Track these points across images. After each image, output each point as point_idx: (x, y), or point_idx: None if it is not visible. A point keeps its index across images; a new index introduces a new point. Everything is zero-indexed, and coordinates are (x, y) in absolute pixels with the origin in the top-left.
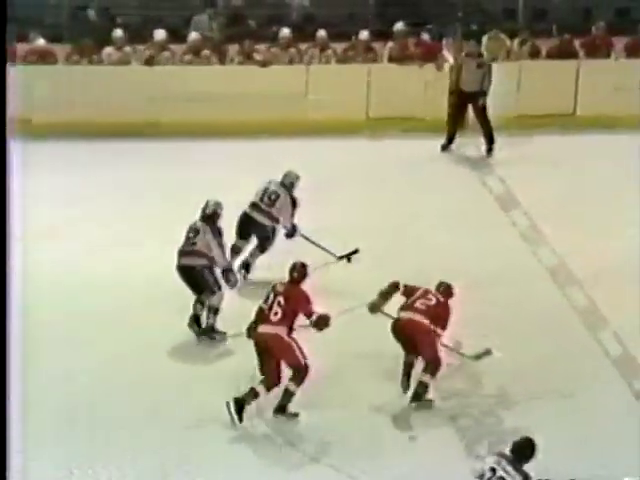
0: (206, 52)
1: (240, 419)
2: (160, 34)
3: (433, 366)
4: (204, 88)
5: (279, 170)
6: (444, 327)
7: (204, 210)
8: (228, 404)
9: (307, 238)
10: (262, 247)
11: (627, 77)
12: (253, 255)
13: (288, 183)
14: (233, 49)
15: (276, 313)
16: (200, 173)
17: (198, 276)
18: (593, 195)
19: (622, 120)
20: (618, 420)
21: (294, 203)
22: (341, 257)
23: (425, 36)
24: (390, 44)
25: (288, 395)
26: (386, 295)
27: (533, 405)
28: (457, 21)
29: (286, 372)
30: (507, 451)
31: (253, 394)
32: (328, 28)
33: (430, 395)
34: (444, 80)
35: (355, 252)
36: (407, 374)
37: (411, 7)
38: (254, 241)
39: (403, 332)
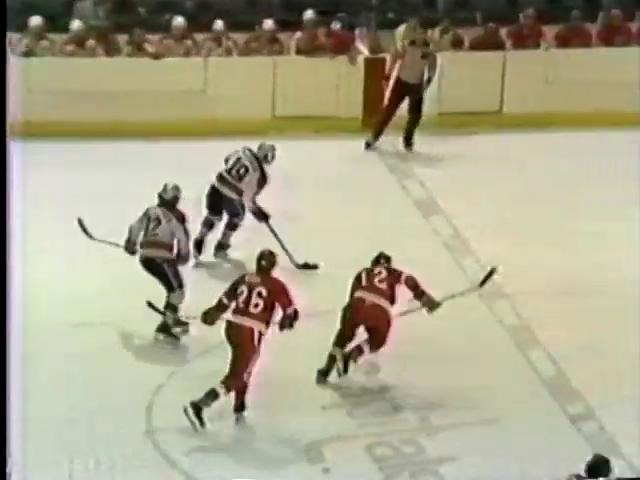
0: (91, 42)
1: (202, 424)
2: (35, 20)
3: (378, 344)
4: (88, 83)
5: (175, 176)
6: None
7: (162, 196)
8: (186, 410)
9: (273, 232)
10: (232, 225)
11: (559, 69)
12: (226, 235)
13: (262, 156)
14: (121, 39)
15: (256, 305)
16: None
17: (158, 270)
18: (523, 200)
19: (554, 117)
20: (551, 447)
21: (264, 179)
22: (299, 266)
23: (336, 26)
24: (298, 34)
25: (212, 396)
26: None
27: (457, 432)
28: (371, 9)
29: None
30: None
31: (213, 395)
32: (227, 17)
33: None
34: (358, 74)
35: (314, 267)
36: (329, 369)
37: None
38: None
39: (365, 317)
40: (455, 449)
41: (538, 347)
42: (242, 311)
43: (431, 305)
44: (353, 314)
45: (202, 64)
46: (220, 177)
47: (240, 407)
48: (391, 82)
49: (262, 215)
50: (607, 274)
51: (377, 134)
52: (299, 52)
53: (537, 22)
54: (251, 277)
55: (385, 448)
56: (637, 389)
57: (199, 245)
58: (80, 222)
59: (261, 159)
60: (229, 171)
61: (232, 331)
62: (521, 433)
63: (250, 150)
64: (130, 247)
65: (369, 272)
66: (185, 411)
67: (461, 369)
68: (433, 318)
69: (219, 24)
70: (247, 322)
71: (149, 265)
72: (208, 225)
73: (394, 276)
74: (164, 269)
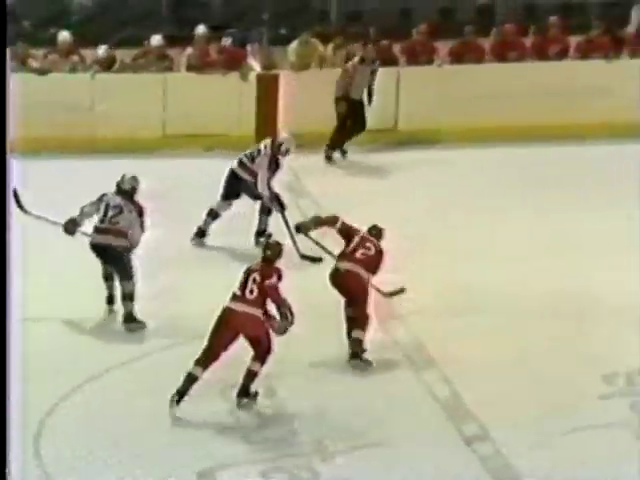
0: None
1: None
2: None
3: (362, 321)
4: None
5: (62, 197)
6: (375, 273)
7: (120, 185)
8: (172, 398)
9: (286, 222)
10: (267, 210)
11: (453, 85)
12: (262, 220)
13: (277, 145)
14: None
15: (252, 291)
16: None
17: (117, 258)
18: (418, 219)
19: (449, 133)
20: (447, 469)
21: (276, 165)
22: (304, 257)
23: (228, 41)
24: (189, 50)
25: (252, 375)
26: (320, 223)
27: (352, 455)
28: (263, 25)
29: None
30: None
31: (192, 379)
32: (115, 31)
33: (367, 351)
34: (250, 91)
35: (318, 260)
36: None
37: (211, 8)
38: (235, 204)
39: (342, 283)
40: (351, 473)
41: (433, 367)
42: (239, 297)
43: None
44: (333, 283)
45: (89, 80)
46: (239, 161)
47: (244, 393)
48: (339, 101)
49: (279, 203)
50: (503, 291)
51: (335, 147)
52: (190, 68)
53: (430, 38)
54: (254, 265)
55: (281, 473)
56: (531, 409)
57: (202, 234)
58: (15, 193)
59: (275, 147)
60: (246, 154)
61: (229, 315)
62: (416, 455)
63: (274, 139)
64: (71, 227)
65: (362, 238)
66: (171, 404)
67: (355, 391)
68: (325, 336)
69: (103, 48)
70: (245, 308)
71: (103, 251)
72: (213, 215)
73: (374, 266)
74: (123, 258)
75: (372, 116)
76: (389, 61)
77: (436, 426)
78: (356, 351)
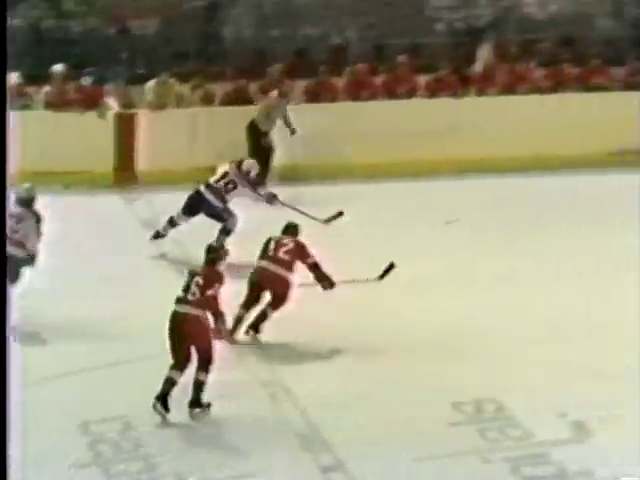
0: None
1: (167, 411)
2: None
3: (278, 302)
4: None
5: None
6: (303, 261)
7: (19, 195)
8: (155, 406)
9: (287, 205)
10: (226, 230)
11: (308, 123)
12: (219, 239)
13: (244, 173)
14: None
15: (194, 293)
16: None
17: (13, 267)
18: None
19: (304, 169)
20: None
21: (254, 184)
22: (327, 220)
23: (86, 80)
24: (46, 88)
25: (199, 385)
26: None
27: None
28: (122, 64)
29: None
30: None
31: (170, 383)
32: None
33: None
34: (109, 129)
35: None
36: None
37: (69, 47)
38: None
39: (262, 282)
40: None
41: (289, 399)
42: (183, 299)
43: (326, 285)
44: (257, 280)
45: None
46: (207, 185)
47: (196, 403)
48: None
49: (272, 197)
50: (361, 324)
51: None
52: (48, 106)
53: (286, 77)
54: (198, 269)
55: None
56: (385, 438)
57: (158, 235)
58: None
59: (244, 174)
60: (217, 181)
61: (175, 318)
62: None
63: (237, 164)
64: None
65: (277, 242)
66: (154, 407)
67: (215, 424)
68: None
69: None
70: (188, 310)
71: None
72: (172, 224)
73: (300, 254)
74: (20, 269)
75: (230, 153)
76: (246, 100)
77: (292, 456)
78: (258, 321)
